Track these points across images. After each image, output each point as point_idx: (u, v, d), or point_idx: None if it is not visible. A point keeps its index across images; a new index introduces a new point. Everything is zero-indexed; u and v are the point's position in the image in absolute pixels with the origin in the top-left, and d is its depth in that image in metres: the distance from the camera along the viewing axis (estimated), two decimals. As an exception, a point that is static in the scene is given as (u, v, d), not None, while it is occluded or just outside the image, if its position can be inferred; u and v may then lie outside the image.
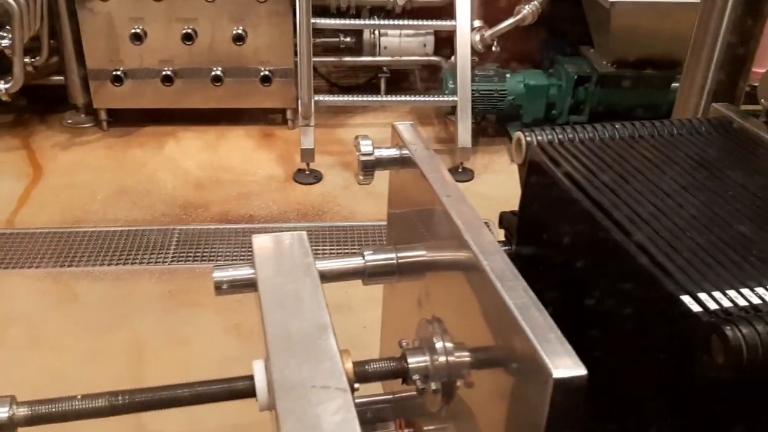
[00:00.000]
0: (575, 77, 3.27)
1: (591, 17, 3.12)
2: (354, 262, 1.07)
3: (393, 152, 1.08)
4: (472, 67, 3.26)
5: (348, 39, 3.71)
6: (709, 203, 0.96)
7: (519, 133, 1.13)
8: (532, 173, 1.12)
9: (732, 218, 0.90)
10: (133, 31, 3.27)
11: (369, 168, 1.05)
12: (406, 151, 1.08)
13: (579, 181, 1.00)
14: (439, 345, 0.91)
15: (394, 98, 3.36)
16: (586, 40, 3.34)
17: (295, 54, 3.25)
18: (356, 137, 1.09)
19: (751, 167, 1.05)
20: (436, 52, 3.67)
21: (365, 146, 1.05)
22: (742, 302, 0.73)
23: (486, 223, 0.93)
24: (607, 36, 2.94)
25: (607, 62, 3.17)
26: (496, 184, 3.18)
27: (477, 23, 3.34)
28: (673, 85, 3.14)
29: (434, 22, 3.34)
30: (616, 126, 1.16)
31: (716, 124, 1.20)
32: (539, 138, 1.12)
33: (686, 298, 0.73)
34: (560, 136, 1.13)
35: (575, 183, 1.00)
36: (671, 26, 2.70)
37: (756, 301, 0.74)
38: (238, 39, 3.33)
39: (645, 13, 2.73)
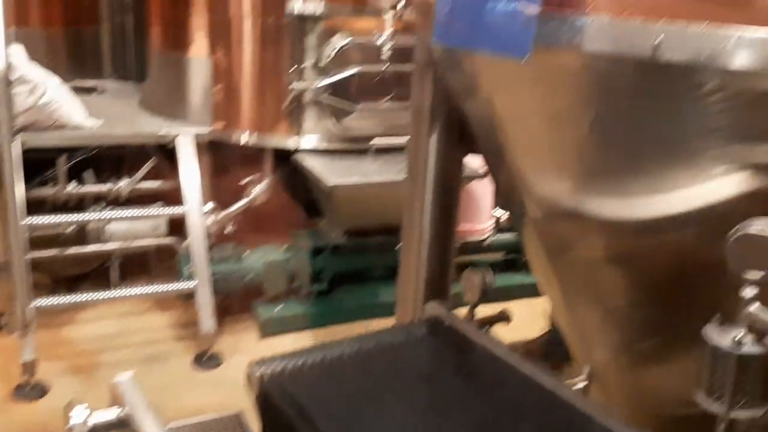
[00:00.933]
0: (311, 249, 3.40)
1: (318, 195, 3.32)
2: None
3: (111, 415, 0.99)
4: (210, 248, 3.23)
5: (70, 228, 3.48)
6: (434, 419, 1.01)
7: (248, 369, 1.11)
8: (265, 408, 1.09)
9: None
10: None
11: (83, 442, 0.93)
12: (126, 411, 0.99)
13: (309, 414, 1.00)
14: None
15: (125, 291, 3.17)
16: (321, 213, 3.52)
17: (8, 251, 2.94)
18: (68, 404, 0.98)
19: (464, 372, 1.14)
20: (171, 232, 3.58)
21: (77, 416, 0.94)
22: None
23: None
24: (333, 212, 3.13)
25: (337, 233, 3.36)
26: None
27: (209, 206, 3.34)
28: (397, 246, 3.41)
29: (162, 209, 3.28)
30: (343, 343, 1.20)
31: (431, 325, 1.29)
32: (269, 370, 1.11)
33: None
34: (291, 364, 1.14)
35: (305, 417, 1.00)
36: (387, 200, 2.97)
37: None
38: (-65, 244, 2.94)
39: (362, 192, 2.98)
